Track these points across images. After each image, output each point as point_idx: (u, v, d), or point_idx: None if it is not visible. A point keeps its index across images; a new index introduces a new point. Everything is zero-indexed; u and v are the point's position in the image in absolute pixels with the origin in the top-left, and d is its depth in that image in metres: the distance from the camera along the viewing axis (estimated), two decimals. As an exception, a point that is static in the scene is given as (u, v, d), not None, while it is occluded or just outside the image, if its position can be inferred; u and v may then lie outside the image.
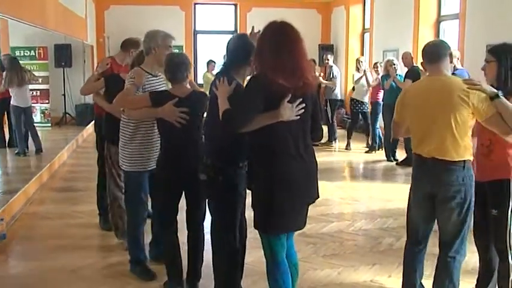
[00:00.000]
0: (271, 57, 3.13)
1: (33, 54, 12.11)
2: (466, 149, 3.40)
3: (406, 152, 9.23)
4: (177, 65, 3.95)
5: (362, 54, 14.71)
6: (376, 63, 10.88)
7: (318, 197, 3.45)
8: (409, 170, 3.74)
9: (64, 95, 12.62)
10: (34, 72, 10.49)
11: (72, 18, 11.70)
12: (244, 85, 3.42)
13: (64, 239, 5.41)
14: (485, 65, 3.68)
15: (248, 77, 3.51)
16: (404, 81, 8.94)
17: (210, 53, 15.00)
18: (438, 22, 11.21)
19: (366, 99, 10.81)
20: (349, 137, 11.05)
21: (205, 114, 3.89)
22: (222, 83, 3.35)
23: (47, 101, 12.12)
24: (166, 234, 4.16)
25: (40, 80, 11.34)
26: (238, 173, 3.60)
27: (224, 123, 3.18)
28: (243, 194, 3.68)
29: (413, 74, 8.65)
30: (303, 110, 3.19)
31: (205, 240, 4.20)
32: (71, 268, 4.68)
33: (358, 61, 11.35)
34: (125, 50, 5.54)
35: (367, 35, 14.43)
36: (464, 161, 3.39)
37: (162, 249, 4.28)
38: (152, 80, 4.25)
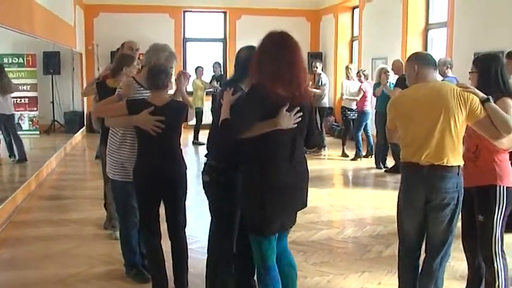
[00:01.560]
0: (270, 66, 3.20)
1: (22, 61, 12.06)
2: (459, 154, 3.44)
3: (395, 160, 9.29)
4: (157, 73, 3.96)
5: (351, 62, 14.78)
6: (359, 72, 10.95)
7: (306, 205, 3.52)
8: (399, 177, 3.74)
9: (53, 102, 12.56)
10: (22, 80, 10.45)
11: (60, 25, 11.67)
12: None
13: (52, 248, 5.37)
14: (470, 75, 3.82)
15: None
16: (394, 89, 8.98)
17: (200, 60, 15.00)
18: (426, 30, 11.31)
19: (354, 106, 10.85)
20: (344, 144, 11.06)
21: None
22: (227, 93, 3.43)
23: (35, 109, 12.07)
24: (148, 243, 4.14)
25: (28, 87, 11.31)
26: (239, 176, 3.62)
27: (222, 131, 3.31)
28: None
29: (403, 82, 8.67)
30: (300, 119, 3.27)
31: (188, 249, 4.22)
32: (59, 277, 4.64)
33: (347, 68, 11.40)
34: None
35: (355, 43, 14.50)
36: (458, 166, 3.42)
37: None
38: (143, 92, 4.20)
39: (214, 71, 13.18)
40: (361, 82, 10.55)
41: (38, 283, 4.56)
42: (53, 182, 8.70)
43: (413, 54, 3.77)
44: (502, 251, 3.71)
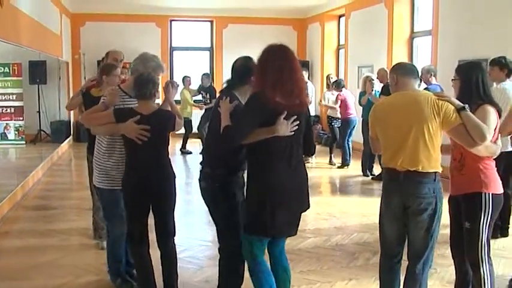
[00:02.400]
0: (273, 76, 3.38)
1: (7, 70, 11.95)
2: (436, 161, 3.50)
3: (381, 167, 9.32)
4: (144, 83, 3.96)
5: (337, 70, 14.87)
6: (335, 81, 11.06)
7: (309, 206, 3.69)
8: (378, 184, 3.80)
9: (39, 112, 12.46)
10: (8, 89, 10.36)
11: (47, 34, 11.64)
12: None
13: (38, 258, 5.33)
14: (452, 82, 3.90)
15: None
16: (379, 97, 9.04)
17: (187, 69, 15.01)
18: (411, 38, 11.41)
19: (339, 114, 10.90)
20: (331, 152, 11.12)
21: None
22: (224, 102, 3.57)
23: (21, 118, 11.97)
24: (136, 253, 4.13)
25: (14, 97, 11.21)
26: (235, 181, 3.80)
27: (224, 138, 3.44)
28: (239, 202, 3.82)
29: (387, 90, 8.73)
30: (297, 127, 3.45)
31: (177, 257, 4.24)
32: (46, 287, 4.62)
33: (328, 78, 11.46)
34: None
35: (342, 51, 14.59)
36: (435, 173, 3.48)
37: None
38: (129, 101, 4.18)
39: (202, 82, 13.12)
40: (341, 91, 10.68)
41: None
42: (39, 192, 8.64)
43: (395, 64, 3.87)
44: (489, 257, 3.75)
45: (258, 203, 3.46)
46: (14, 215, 7.12)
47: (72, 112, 14.47)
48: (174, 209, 4.19)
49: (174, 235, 4.20)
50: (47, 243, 5.84)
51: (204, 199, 3.93)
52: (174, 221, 4.17)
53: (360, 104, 9.92)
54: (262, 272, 3.60)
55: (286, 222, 3.56)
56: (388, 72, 3.82)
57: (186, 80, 12.95)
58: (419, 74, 3.75)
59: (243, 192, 3.79)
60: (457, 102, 3.49)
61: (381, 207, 3.76)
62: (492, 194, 3.68)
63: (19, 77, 12.13)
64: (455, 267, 4.00)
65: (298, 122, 3.46)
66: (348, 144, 10.74)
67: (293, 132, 3.44)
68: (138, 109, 3.97)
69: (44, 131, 12.64)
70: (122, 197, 4.10)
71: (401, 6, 11.41)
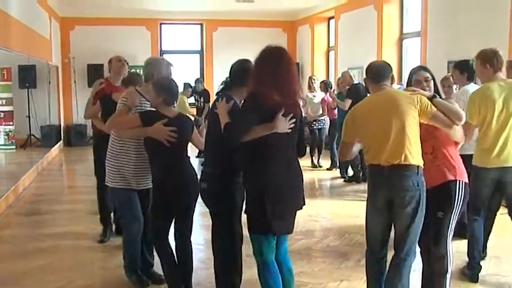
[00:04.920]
0: (270, 77, 3.47)
1: (-3, 75, 11.92)
2: (418, 154, 3.65)
3: (353, 169, 9.47)
4: (175, 89, 4.16)
5: (327, 72, 14.92)
6: (324, 82, 11.22)
7: (304, 203, 3.78)
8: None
9: (29, 116, 12.42)
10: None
11: (36, 39, 11.60)
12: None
13: (30, 263, 5.32)
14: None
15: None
16: (344, 100, 9.16)
17: (177, 72, 14.98)
18: (401, 40, 11.47)
19: (319, 115, 10.90)
20: (311, 154, 11.10)
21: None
22: (220, 102, 3.66)
23: (11, 123, 11.92)
24: (165, 248, 4.24)
25: (4, 101, 11.17)
26: (234, 181, 3.84)
27: (226, 135, 3.50)
28: (240, 204, 3.91)
29: (353, 91, 8.89)
30: (293, 125, 3.56)
31: (193, 253, 4.34)
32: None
33: (311, 79, 11.35)
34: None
35: (332, 53, 14.64)
36: (417, 166, 3.62)
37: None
38: (146, 104, 4.32)
39: (196, 87, 13.11)
40: (325, 93, 10.77)
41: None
42: (30, 197, 8.61)
43: (366, 68, 3.97)
44: (451, 240, 3.93)
45: (258, 201, 3.51)
46: (4, 221, 7.10)
47: (62, 116, 14.44)
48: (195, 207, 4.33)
49: (191, 233, 4.35)
50: (39, 248, 5.82)
51: (203, 200, 3.98)
52: (192, 220, 4.34)
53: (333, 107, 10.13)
54: (270, 274, 3.64)
55: (285, 218, 3.64)
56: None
57: (186, 87, 12.89)
58: (391, 70, 3.90)
59: (243, 193, 3.82)
60: (427, 93, 3.75)
61: (367, 205, 3.87)
62: (464, 182, 3.85)
63: (8, 81, 12.09)
64: (422, 258, 4.09)
65: (294, 120, 3.56)
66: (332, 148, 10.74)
67: (290, 130, 3.54)
68: (164, 112, 4.09)
69: (34, 135, 12.60)
70: (152, 198, 4.22)
71: (391, 7, 11.48)
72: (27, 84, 12.46)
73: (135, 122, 4.12)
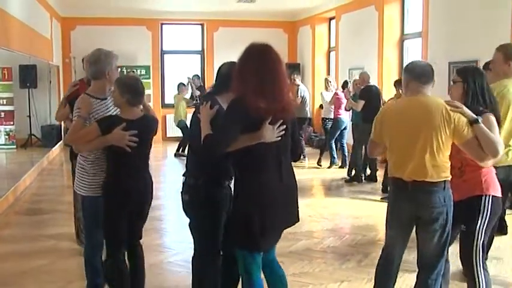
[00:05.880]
0: (253, 80, 3.12)
1: (-2, 75, 11.92)
2: (445, 170, 3.40)
3: (354, 169, 9.46)
4: (140, 88, 3.90)
5: (328, 72, 14.90)
6: (344, 81, 11.12)
7: (298, 220, 3.48)
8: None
9: (29, 116, 12.43)
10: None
11: (37, 38, 11.59)
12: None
13: (29, 263, 5.31)
14: (451, 85, 3.75)
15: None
16: (357, 101, 9.25)
17: (178, 72, 14.98)
18: (402, 41, 11.45)
19: (332, 116, 10.94)
20: (321, 153, 11.18)
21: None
22: (204, 107, 3.36)
23: (11, 123, 11.91)
24: (116, 262, 3.99)
25: (4, 101, 11.17)
26: (221, 192, 3.61)
27: (205, 148, 3.18)
28: (225, 215, 3.63)
29: (366, 93, 8.95)
30: (283, 132, 3.23)
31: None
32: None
33: (326, 81, 11.61)
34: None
35: (333, 54, 14.63)
36: (444, 181, 3.40)
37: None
38: (99, 105, 4.04)
39: (194, 84, 13.21)
40: (328, 91, 10.88)
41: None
42: (30, 197, 8.60)
43: (409, 64, 3.68)
44: (484, 263, 3.68)
45: (246, 218, 3.19)
46: (4, 220, 7.09)
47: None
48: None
49: (141, 239, 4.21)
50: (38, 248, 5.81)
51: (186, 213, 3.73)
52: (142, 227, 4.21)
53: (345, 109, 10.14)
54: None
55: (274, 235, 3.42)
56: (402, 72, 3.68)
57: (181, 87, 12.93)
58: (433, 75, 3.55)
59: (230, 204, 3.56)
60: (470, 113, 3.38)
61: (387, 215, 3.67)
62: (492, 196, 3.61)
63: (9, 81, 12.10)
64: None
65: (284, 126, 3.23)
66: (343, 146, 10.79)
67: (280, 138, 3.22)
68: (124, 115, 3.86)
69: (34, 135, 12.60)
70: (104, 206, 3.94)
71: (392, 8, 11.46)
72: (28, 84, 12.47)
73: (93, 133, 3.79)
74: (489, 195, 3.59)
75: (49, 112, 13.31)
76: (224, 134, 3.11)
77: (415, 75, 3.50)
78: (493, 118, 3.50)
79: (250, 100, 3.09)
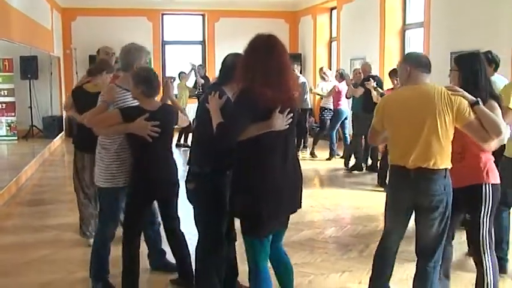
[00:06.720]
0: (261, 71, 3.19)
1: (-1, 66, 11.92)
2: (448, 157, 3.45)
3: (355, 158, 9.46)
4: (154, 80, 4.01)
5: (330, 62, 14.87)
6: (339, 72, 11.14)
7: (300, 207, 3.56)
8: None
9: (31, 107, 12.44)
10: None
11: (38, 29, 11.58)
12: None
13: (31, 254, 5.32)
14: (450, 73, 3.82)
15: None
16: (357, 88, 9.36)
17: (179, 63, 14.95)
18: (403, 30, 11.41)
19: (331, 105, 10.94)
20: (314, 143, 11.18)
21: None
22: (213, 97, 3.41)
23: (12, 114, 11.93)
24: (131, 249, 4.12)
25: (5, 92, 11.17)
26: (224, 180, 3.65)
27: (218, 136, 3.23)
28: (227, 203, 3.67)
29: (364, 83, 8.95)
30: (291, 120, 3.31)
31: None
32: (39, 283, 4.62)
33: (321, 71, 11.55)
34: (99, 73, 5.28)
35: (334, 44, 14.58)
36: (445, 169, 3.43)
37: (163, 260, 4.63)
38: (124, 95, 4.16)
39: (198, 73, 13.21)
40: (325, 81, 10.84)
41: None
42: (32, 188, 8.62)
43: (408, 54, 3.77)
44: (491, 249, 3.74)
45: (254, 203, 3.27)
46: (6, 211, 7.10)
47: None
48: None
49: (180, 225, 4.40)
50: (40, 239, 5.82)
51: (190, 201, 3.79)
52: (178, 214, 4.39)
53: (346, 97, 10.15)
54: (261, 281, 3.45)
55: (278, 221, 3.46)
56: (399, 62, 3.71)
57: (182, 75, 12.93)
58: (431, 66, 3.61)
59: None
60: (470, 96, 3.42)
61: (387, 204, 3.71)
62: (492, 185, 3.67)
63: (10, 72, 12.10)
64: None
65: (291, 115, 3.32)
66: (345, 136, 10.77)
67: (288, 126, 3.30)
68: (144, 106, 3.98)
69: (36, 126, 12.62)
70: (128, 194, 4.12)
71: (393, -2, 11.42)
72: (29, 75, 12.48)
73: (115, 119, 3.96)
74: (489, 184, 3.66)
75: (50, 103, 13.32)
76: (236, 123, 3.18)
77: (419, 64, 3.54)
78: (494, 102, 3.58)
79: (259, 90, 3.16)
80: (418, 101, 3.44)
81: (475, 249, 3.78)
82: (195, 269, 3.88)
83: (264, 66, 3.20)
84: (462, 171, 3.62)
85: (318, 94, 11.46)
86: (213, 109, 3.36)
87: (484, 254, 3.71)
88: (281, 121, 3.24)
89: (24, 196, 8.02)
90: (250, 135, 3.21)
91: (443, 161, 3.42)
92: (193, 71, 13.00)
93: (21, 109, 12.16)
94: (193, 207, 3.80)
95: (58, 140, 13.35)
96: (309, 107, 11.81)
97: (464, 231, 4.34)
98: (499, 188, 3.75)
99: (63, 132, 14.08)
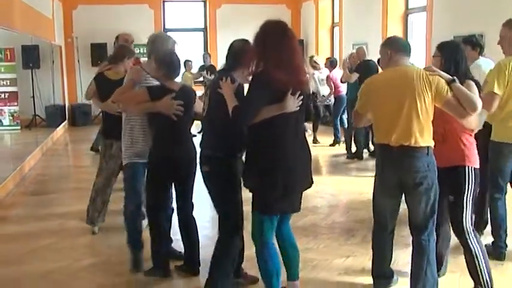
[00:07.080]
0: (273, 56, 3.38)
1: (0, 56, 11.89)
2: (429, 135, 3.58)
3: (356, 146, 9.44)
4: (176, 62, 4.17)
5: (332, 48, 14.81)
6: (330, 60, 11.18)
7: (313, 182, 3.75)
8: (372, 162, 3.87)
9: (33, 96, 12.42)
10: (1, 75, 10.31)
11: (39, 18, 11.55)
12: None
13: (36, 243, 5.34)
14: (433, 59, 3.98)
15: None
16: (352, 74, 9.33)
17: (181, 50, 14.90)
18: (406, 15, 11.34)
19: (325, 91, 10.93)
20: (314, 130, 11.16)
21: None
22: (225, 82, 3.55)
23: (15, 103, 11.91)
24: (156, 219, 4.29)
25: (7, 82, 11.14)
26: (236, 162, 3.79)
27: (234, 118, 3.42)
28: (240, 184, 3.81)
29: (363, 67, 8.91)
30: (301, 102, 3.48)
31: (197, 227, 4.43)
32: (44, 271, 4.63)
33: (312, 60, 11.43)
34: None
35: (336, 29, 14.51)
36: (428, 147, 3.56)
37: (168, 248, 4.55)
38: (151, 80, 4.30)
39: (204, 61, 13.25)
40: (330, 70, 10.85)
41: (22, 278, 4.55)
42: (36, 177, 8.64)
43: (387, 39, 3.94)
44: (474, 230, 3.87)
45: (269, 176, 3.46)
46: (10, 200, 7.13)
47: (66, 96, 14.42)
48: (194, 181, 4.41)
49: (193, 209, 4.45)
50: (45, 228, 5.84)
51: (206, 183, 3.87)
52: (192, 197, 4.44)
53: (341, 81, 10.14)
54: (270, 256, 3.60)
55: (294, 194, 3.61)
56: (380, 46, 3.80)
57: (187, 64, 12.93)
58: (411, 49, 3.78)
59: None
60: (447, 75, 3.59)
61: (375, 182, 3.86)
62: (474, 168, 3.81)
63: (12, 61, 12.07)
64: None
65: (302, 97, 3.48)
66: (343, 122, 10.75)
67: (299, 107, 3.47)
68: (169, 86, 4.13)
69: (38, 115, 12.60)
70: (149, 172, 4.27)
71: (396, -18, 11.34)
72: (30, 65, 12.43)
73: (142, 97, 4.12)
74: (472, 167, 3.80)
75: (52, 92, 13.31)
76: (251, 105, 3.38)
77: (399, 48, 3.69)
78: (472, 83, 3.73)
79: (273, 74, 3.33)
80: (400, 81, 3.58)
81: (458, 231, 3.87)
82: (213, 255, 3.90)
83: (276, 50, 3.37)
84: (445, 152, 3.74)
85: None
86: (227, 94, 3.51)
87: (469, 234, 3.82)
88: (293, 103, 3.42)
89: (28, 185, 8.04)
90: (265, 116, 3.38)
91: (425, 139, 3.54)
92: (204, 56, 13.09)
93: (23, 98, 12.14)
94: (209, 192, 3.89)
95: (61, 129, 13.36)
96: (311, 91, 11.76)
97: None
98: (479, 173, 3.87)
99: (66, 121, 14.09)
